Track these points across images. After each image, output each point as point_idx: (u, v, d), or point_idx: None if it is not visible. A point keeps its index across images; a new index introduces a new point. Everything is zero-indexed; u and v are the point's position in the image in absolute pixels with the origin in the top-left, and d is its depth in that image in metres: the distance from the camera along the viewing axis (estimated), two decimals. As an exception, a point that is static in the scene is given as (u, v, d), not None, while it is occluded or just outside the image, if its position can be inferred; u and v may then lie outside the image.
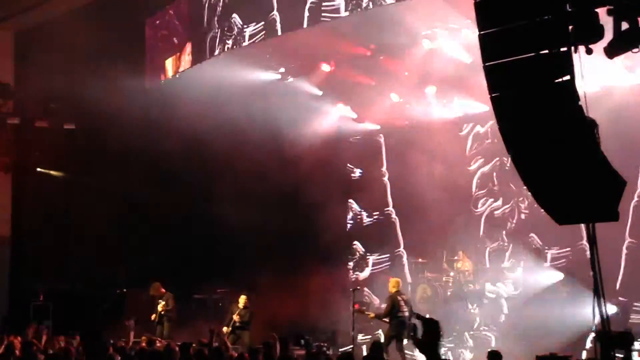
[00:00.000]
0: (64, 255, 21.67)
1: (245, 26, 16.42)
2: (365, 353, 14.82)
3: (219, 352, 11.24)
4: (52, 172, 22.12)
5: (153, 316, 17.19)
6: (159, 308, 17.10)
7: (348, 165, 20.85)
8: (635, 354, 10.48)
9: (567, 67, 6.74)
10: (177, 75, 18.60)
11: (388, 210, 19.81)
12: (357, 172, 20.77)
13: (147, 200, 20.44)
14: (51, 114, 21.51)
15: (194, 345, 12.12)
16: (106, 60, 18.82)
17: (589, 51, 7.02)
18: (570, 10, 6.91)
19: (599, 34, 7.01)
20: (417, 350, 11.03)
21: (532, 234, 16.71)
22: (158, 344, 13.49)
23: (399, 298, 15.42)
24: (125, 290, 20.07)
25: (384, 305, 15.98)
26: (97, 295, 20.17)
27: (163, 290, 17.36)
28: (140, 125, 18.86)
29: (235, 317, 16.33)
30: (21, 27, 22.35)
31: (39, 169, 22.05)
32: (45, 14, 21.12)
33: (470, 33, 14.57)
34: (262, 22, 15.95)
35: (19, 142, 22.08)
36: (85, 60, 19.21)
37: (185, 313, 18.08)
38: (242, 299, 16.57)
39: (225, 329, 16.14)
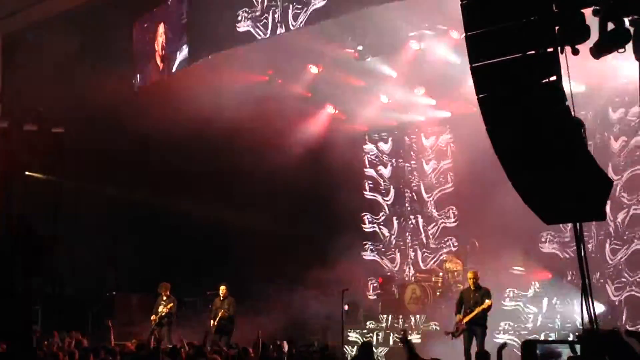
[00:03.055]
0: (54, 259, 21.54)
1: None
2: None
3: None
4: (40, 176, 22.00)
5: (153, 317, 17.06)
6: (161, 309, 16.92)
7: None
8: None
9: (554, 67, 6.77)
10: (165, 78, 18.58)
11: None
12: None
13: (136, 203, 20.38)
14: (39, 118, 21.38)
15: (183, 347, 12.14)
16: (94, 63, 18.77)
17: (576, 51, 7.06)
18: (556, 11, 6.94)
19: (585, 35, 7.05)
20: None
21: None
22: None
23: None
24: (114, 293, 19.99)
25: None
26: (87, 298, 20.09)
27: (168, 293, 17.28)
28: (129, 128, 18.81)
29: (220, 313, 16.34)
30: (9, 30, 22.24)
31: (27, 173, 21.93)
32: (33, 17, 21.04)
33: (458, 34, 14.63)
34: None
35: (7, 146, 21.95)
36: (73, 63, 19.15)
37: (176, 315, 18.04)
38: (222, 289, 16.56)
39: (212, 322, 16.22)
